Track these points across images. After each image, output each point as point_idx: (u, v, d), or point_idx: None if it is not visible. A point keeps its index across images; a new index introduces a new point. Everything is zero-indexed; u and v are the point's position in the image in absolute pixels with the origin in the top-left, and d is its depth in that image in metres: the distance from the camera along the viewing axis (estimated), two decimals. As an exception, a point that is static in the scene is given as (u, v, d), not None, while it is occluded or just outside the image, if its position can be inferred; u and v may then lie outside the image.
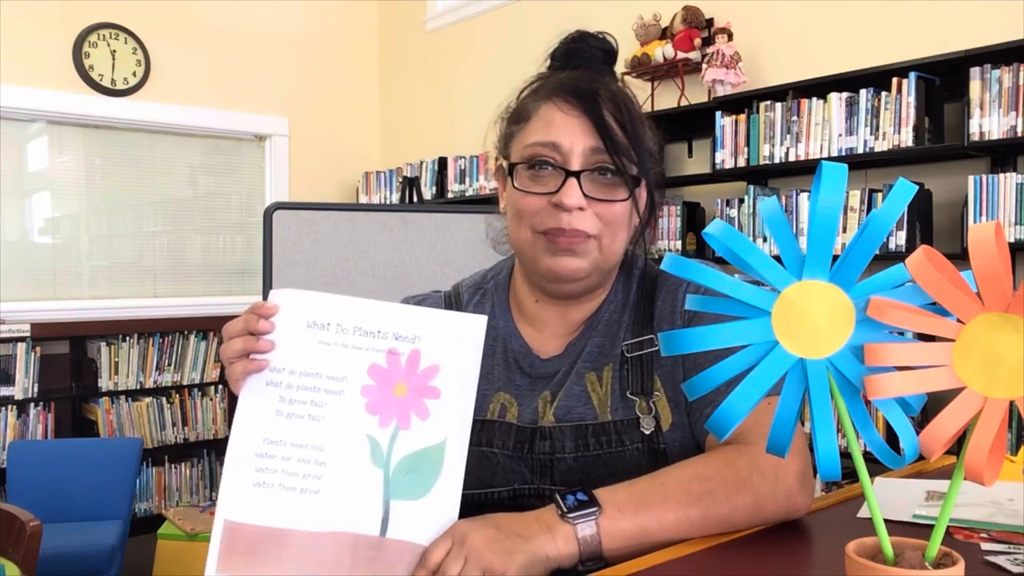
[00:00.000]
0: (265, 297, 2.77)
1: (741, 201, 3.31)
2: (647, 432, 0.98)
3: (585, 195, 0.95)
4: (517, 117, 1.03)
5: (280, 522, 0.82)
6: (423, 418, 0.85)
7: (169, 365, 4.37)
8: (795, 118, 3.13)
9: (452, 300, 1.13)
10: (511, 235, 1.03)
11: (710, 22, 3.60)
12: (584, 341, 1.04)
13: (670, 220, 3.60)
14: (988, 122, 2.65)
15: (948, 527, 0.81)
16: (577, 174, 0.95)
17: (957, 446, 0.56)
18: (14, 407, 3.93)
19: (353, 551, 0.82)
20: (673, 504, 0.85)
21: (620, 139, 0.96)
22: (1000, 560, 0.78)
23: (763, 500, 0.87)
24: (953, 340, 0.54)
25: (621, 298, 1.06)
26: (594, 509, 0.84)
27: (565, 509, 0.84)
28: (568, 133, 0.96)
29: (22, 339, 3.93)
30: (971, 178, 2.66)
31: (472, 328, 0.87)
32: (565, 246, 0.96)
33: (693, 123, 3.63)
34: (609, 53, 1.06)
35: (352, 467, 0.84)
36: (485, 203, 4.44)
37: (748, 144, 3.28)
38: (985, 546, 0.83)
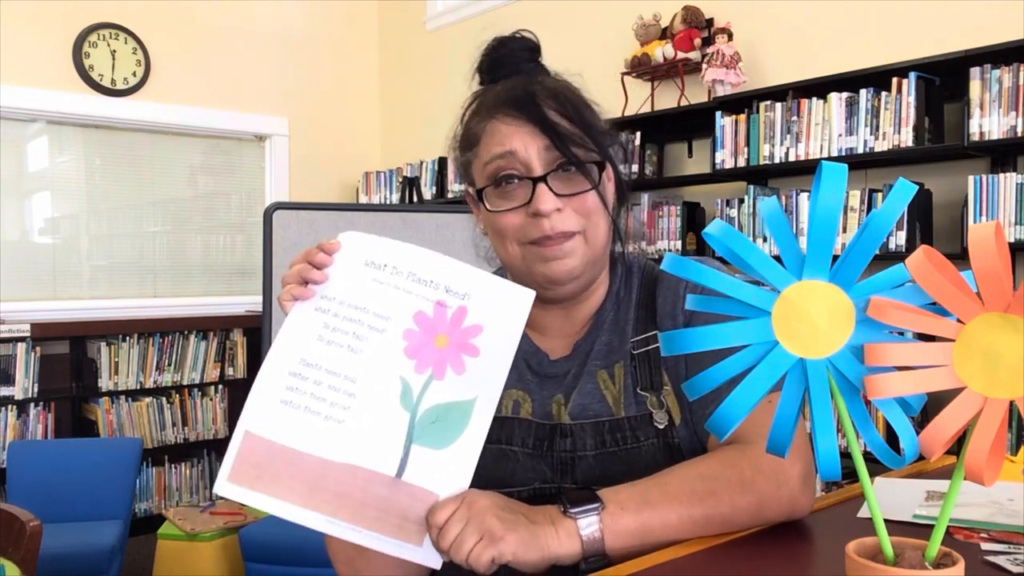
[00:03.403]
0: (266, 298, 2.78)
1: (741, 201, 3.31)
2: (661, 427, 0.98)
3: (557, 195, 0.95)
4: (467, 143, 1.02)
5: (298, 444, 0.83)
6: (458, 373, 0.86)
7: (169, 365, 4.37)
8: (795, 118, 3.13)
9: None
10: (499, 255, 1.03)
11: (710, 22, 3.60)
12: (591, 341, 1.05)
13: (670, 220, 3.60)
14: (988, 122, 2.65)
15: (948, 527, 0.81)
16: (543, 178, 0.95)
17: (957, 446, 0.56)
18: (14, 407, 3.92)
19: (365, 486, 0.83)
20: (676, 503, 0.86)
21: (569, 131, 0.96)
22: (1000, 560, 0.78)
23: (766, 501, 0.88)
24: (953, 340, 0.54)
25: (625, 296, 1.06)
26: (597, 505, 0.84)
27: (568, 505, 0.84)
28: (518, 140, 0.96)
29: (22, 339, 3.93)
30: (971, 178, 2.66)
31: (520, 299, 0.88)
32: (556, 252, 0.97)
33: (693, 123, 3.63)
34: (533, 50, 1.07)
35: (380, 404, 0.85)
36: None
37: (748, 144, 3.28)
38: (985, 546, 0.83)
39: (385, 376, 0.85)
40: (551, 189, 0.95)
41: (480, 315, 0.87)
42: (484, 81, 1.06)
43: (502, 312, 0.88)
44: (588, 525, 0.83)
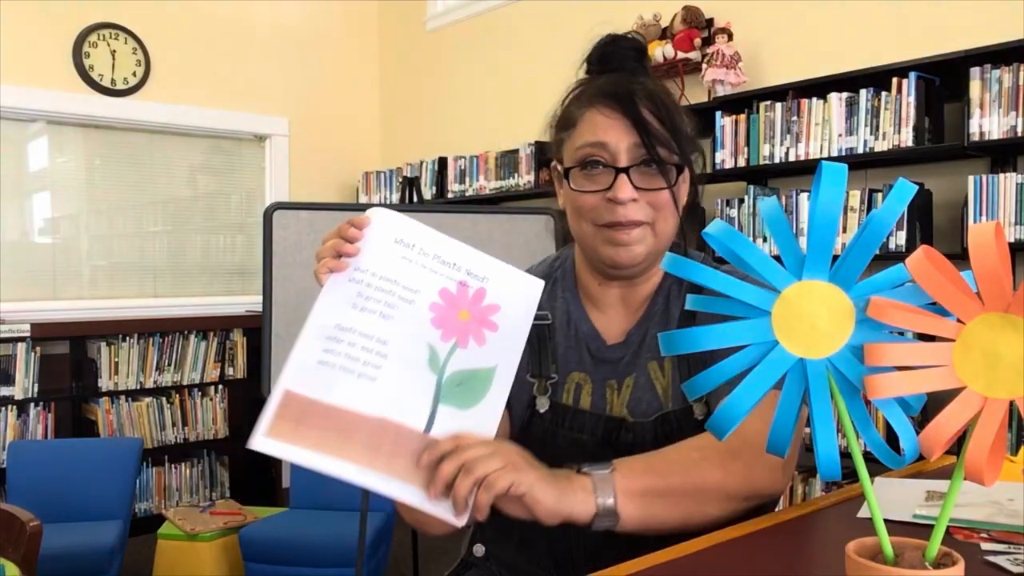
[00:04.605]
0: (266, 298, 2.80)
1: (741, 201, 3.31)
2: (700, 419, 1.07)
3: (635, 187, 1.04)
4: (564, 124, 1.11)
5: (334, 399, 0.88)
6: (480, 344, 0.94)
7: (169, 365, 4.37)
8: (795, 118, 3.13)
9: None
10: (573, 229, 1.12)
11: (710, 22, 3.60)
12: (643, 331, 1.13)
13: (670, 220, 3.59)
14: (988, 122, 2.65)
15: (948, 527, 0.81)
16: (626, 170, 1.04)
17: (957, 446, 0.56)
18: (14, 407, 3.92)
19: (396, 439, 0.88)
20: (676, 468, 0.94)
21: (659, 132, 1.05)
22: (1000, 560, 0.79)
23: (752, 468, 0.96)
24: (953, 340, 0.54)
25: (676, 290, 1.14)
26: (609, 466, 0.91)
27: (583, 466, 0.92)
28: (612, 133, 1.05)
29: (22, 339, 3.93)
30: (971, 178, 2.66)
31: (530, 288, 0.98)
32: (624, 239, 1.06)
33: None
34: (640, 52, 1.14)
35: (410, 365, 0.91)
36: (485, 203, 4.45)
37: (748, 144, 3.28)
38: (985, 546, 0.83)
39: (414, 341, 0.92)
40: (631, 181, 1.04)
41: (497, 296, 0.96)
42: (590, 71, 1.15)
43: (517, 296, 0.97)
44: (602, 482, 0.89)
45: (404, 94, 5.38)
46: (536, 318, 0.99)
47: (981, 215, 2.64)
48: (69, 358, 4.16)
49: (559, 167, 1.13)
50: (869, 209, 2.87)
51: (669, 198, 1.07)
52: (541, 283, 0.98)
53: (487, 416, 0.92)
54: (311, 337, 0.90)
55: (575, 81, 1.14)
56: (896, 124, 2.85)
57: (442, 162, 4.76)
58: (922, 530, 0.85)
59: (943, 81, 2.85)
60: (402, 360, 0.91)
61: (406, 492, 0.87)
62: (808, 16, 3.34)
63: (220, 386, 4.52)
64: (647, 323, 1.13)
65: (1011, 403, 0.53)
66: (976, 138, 2.67)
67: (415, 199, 4.24)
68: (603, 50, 1.13)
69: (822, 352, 0.57)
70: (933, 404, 0.59)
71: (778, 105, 3.18)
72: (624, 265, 1.09)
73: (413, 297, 0.93)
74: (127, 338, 4.25)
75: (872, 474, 0.67)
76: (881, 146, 2.89)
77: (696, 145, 1.12)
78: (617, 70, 1.11)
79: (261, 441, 0.85)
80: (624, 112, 1.04)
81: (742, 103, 3.33)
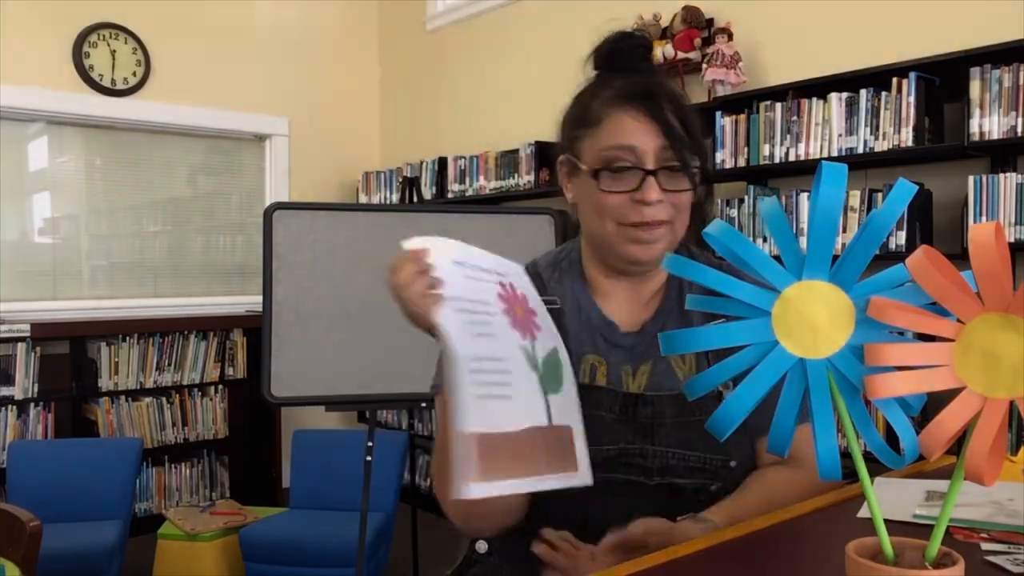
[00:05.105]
0: (266, 298, 2.79)
1: (741, 201, 3.31)
2: None
3: (663, 189, 1.08)
4: (585, 122, 1.12)
5: (497, 426, 0.93)
6: (539, 331, 1.01)
7: (169, 365, 4.37)
8: (795, 118, 3.13)
9: (531, 276, 1.23)
10: (589, 226, 1.15)
11: (710, 22, 3.60)
12: (659, 325, 1.16)
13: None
14: (988, 122, 2.65)
15: (948, 527, 0.81)
16: (654, 172, 1.07)
17: (957, 446, 0.56)
18: (14, 407, 3.92)
19: (537, 441, 0.95)
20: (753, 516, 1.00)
21: (683, 136, 1.08)
22: (1000, 560, 0.79)
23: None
24: (953, 340, 0.54)
25: (688, 287, 1.17)
26: (711, 525, 1.00)
27: (695, 521, 1.00)
28: (640, 136, 1.07)
29: (22, 339, 3.93)
30: (971, 178, 2.66)
31: (522, 272, 1.05)
32: (647, 237, 1.10)
33: (693, 123, 3.63)
34: (647, 50, 1.17)
35: (521, 372, 0.97)
36: (485, 203, 4.44)
37: (748, 144, 3.28)
38: (985, 546, 0.83)
39: (514, 349, 0.98)
40: (658, 183, 1.07)
41: (521, 287, 1.02)
42: (598, 66, 1.16)
43: (526, 283, 1.04)
44: (709, 529, 0.98)
45: (404, 94, 5.38)
46: (546, 302, 1.03)
47: (981, 215, 2.64)
48: (69, 358, 4.16)
49: (575, 162, 1.13)
50: (869, 209, 2.87)
51: (689, 198, 1.11)
52: (521, 266, 1.06)
53: (572, 392, 1.01)
54: (463, 375, 0.92)
55: (592, 77, 1.15)
56: (896, 124, 2.85)
57: (442, 162, 4.76)
58: (922, 530, 0.85)
59: (943, 81, 2.85)
60: (517, 370, 0.97)
61: (554, 482, 0.94)
62: (808, 16, 3.34)
63: (220, 386, 4.52)
64: (664, 317, 1.16)
65: (1011, 403, 0.53)
66: (976, 138, 2.67)
67: (415, 199, 4.23)
68: (613, 46, 1.15)
69: (822, 352, 0.57)
70: (933, 404, 0.59)
71: (778, 105, 3.18)
72: (645, 262, 1.12)
73: (492, 310, 0.98)
74: (127, 338, 4.25)
75: (872, 474, 0.67)
76: (881, 146, 2.89)
77: (707, 145, 1.16)
78: (628, 68, 1.12)
79: (474, 488, 0.87)
80: (651, 115, 1.07)
81: (742, 103, 3.33)
